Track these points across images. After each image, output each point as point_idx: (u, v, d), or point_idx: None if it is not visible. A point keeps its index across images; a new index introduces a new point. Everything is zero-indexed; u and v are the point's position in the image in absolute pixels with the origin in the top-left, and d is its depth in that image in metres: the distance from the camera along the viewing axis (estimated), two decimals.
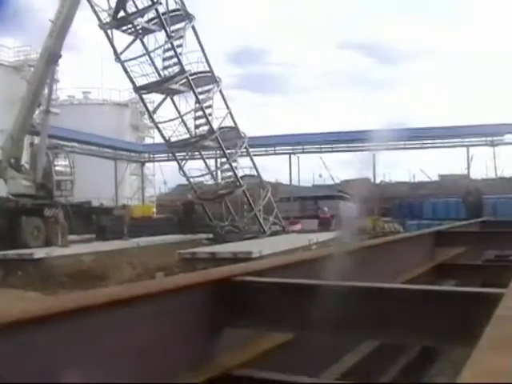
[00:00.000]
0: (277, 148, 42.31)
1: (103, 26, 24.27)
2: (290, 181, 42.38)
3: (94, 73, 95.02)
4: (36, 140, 25.36)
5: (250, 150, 29.37)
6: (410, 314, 1.86)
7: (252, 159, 29.20)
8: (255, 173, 29.14)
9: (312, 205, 41.84)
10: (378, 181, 42.75)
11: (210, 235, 26.55)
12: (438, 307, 1.83)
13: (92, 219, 25.90)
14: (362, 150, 41.28)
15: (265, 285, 2.00)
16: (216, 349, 1.96)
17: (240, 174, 27.87)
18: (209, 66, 26.61)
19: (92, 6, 23.82)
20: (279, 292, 1.97)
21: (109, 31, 24.49)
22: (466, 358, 0.93)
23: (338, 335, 2.07)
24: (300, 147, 41.78)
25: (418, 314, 1.85)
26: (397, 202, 34.67)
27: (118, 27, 24.61)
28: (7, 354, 1.26)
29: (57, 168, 24.45)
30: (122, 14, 24.15)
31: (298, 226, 32.56)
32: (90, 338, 1.49)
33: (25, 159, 24.60)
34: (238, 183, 27.01)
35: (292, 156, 42.04)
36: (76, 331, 1.45)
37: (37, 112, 24.85)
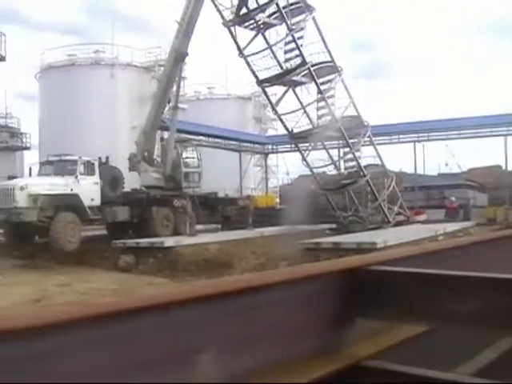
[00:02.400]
0: (401, 136, 41.24)
1: (226, 24, 24.88)
2: (415, 169, 41.22)
3: (218, 68, 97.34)
4: (166, 135, 26.40)
5: (374, 138, 28.91)
6: None
7: (375, 148, 28.72)
8: (379, 162, 28.65)
9: (438, 194, 40.54)
10: (510, 168, 40.58)
11: (333, 225, 26.44)
12: None
13: (218, 209, 26.61)
14: (491, 136, 39.56)
15: (398, 274, 1.95)
16: (347, 339, 1.95)
17: (363, 163, 27.52)
18: (330, 56, 26.46)
19: (216, 6, 24.53)
20: (413, 282, 1.91)
21: (232, 28, 25.05)
22: None
23: (475, 330, 1.99)
24: (425, 135, 40.44)
25: None
26: None
27: (240, 24, 25.15)
28: (146, 334, 1.32)
29: (185, 160, 25.36)
30: (243, 10, 24.60)
31: (423, 216, 31.68)
32: (222, 322, 1.54)
33: (156, 153, 25.72)
34: (361, 173, 26.69)
35: (416, 144, 40.84)
36: (210, 315, 1.50)
37: (166, 108, 25.84)
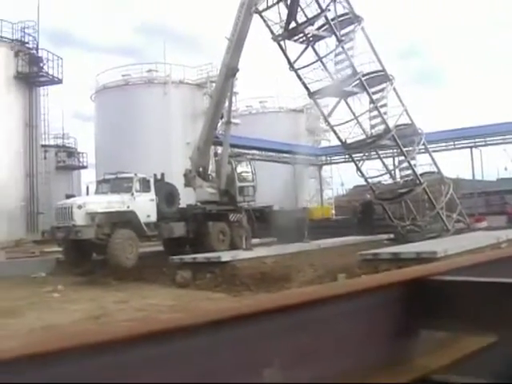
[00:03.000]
0: (456, 142, 40.44)
1: (276, 38, 24.91)
2: (473, 175, 40.31)
3: (270, 82, 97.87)
4: (220, 150, 26.57)
5: (429, 145, 28.45)
6: None
7: (431, 155, 28.24)
8: (435, 169, 28.17)
9: (498, 200, 39.58)
10: None
11: (391, 235, 26.08)
12: None
13: (273, 223, 26.56)
14: None
15: (462, 284, 1.90)
16: (413, 351, 1.91)
17: (419, 171, 27.11)
18: (381, 65, 26.23)
19: (264, 21, 24.63)
20: (478, 292, 1.86)
21: (281, 42, 25.10)
22: None
23: None
24: (482, 140, 39.54)
25: None
26: None
27: (289, 38, 25.07)
28: (209, 349, 1.32)
29: (239, 175, 25.45)
30: (292, 24, 24.61)
31: (483, 223, 30.93)
32: (285, 336, 1.53)
33: (210, 168, 25.92)
34: (417, 181, 26.28)
35: (474, 149, 39.94)
36: (273, 329, 1.49)
37: (219, 123, 26.05)
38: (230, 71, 23.94)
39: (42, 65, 34.50)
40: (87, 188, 24.03)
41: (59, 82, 35.82)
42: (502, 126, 37.96)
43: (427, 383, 1.81)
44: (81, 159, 47.17)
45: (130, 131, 35.74)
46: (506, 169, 45.73)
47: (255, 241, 24.16)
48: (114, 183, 21.71)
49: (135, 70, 39.55)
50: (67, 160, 45.38)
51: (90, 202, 20.74)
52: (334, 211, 42.57)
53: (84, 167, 47.15)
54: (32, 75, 33.99)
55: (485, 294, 1.86)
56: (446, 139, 39.48)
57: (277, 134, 41.26)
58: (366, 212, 28.75)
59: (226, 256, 18.56)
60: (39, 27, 34.65)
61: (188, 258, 19.11)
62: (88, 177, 45.65)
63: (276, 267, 17.36)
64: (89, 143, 46.45)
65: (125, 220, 20.54)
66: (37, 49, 34.58)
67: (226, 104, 25.33)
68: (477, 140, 39.43)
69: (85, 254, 20.68)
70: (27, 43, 34.36)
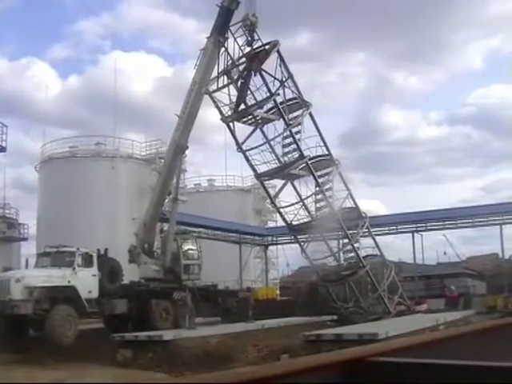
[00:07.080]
0: (399, 226, 41.42)
1: (225, 120, 25.25)
2: (414, 259, 41.08)
3: (218, 162, 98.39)
4: (166, 226, 26.41)
5: (372, 229, 29.07)
6: None
7: (374, 239, 28.85)
8: (378, 252, 28.70)
9: (438, 283, 40.41)
10: (506, 256, 40.55)
11: (335, 317, 26.17)
12: None
13: (218, 302, 26.32)
14: (487, 225, 39.80)
15: (401, 365, 1.97)
16: None
17: (362, 254, 27.57)
18: (327, 149, 26.97)
19: (214, 102, 25.01)
20: (417, 373, 1.93)
21: (230, 123, 25.47)
22: None
23: None
24: (423, 225, 40.65)
25: None
26: None
27: (238, 119, 25.49)
28: None
29: (185, 253, 25.25)
30: (242, 106, 25.08)
31: (424, 306, 31.55)
32: None
33: (156, 245, 25.68)
34: (360, 264, 26.68)
35: (415, 234, 40.94)
36: None
37: (166, 200, 26.01)
38: (178, 148, 24.20)
39: None
40: (27, 261, 23.35)
41: (3, 150, 34.59)
42: (442, 213, 39.24)
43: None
44: (22, 231, 45.76)
45: (75, 204, 35.07)
46: (445, 253, 46.96)
47: (199, 320, 23.81)
48: (55, 257, 21.14)
49: (83, 143, 39.21)
50: (7, 231, 43.89)
51: (29, 275, 20.07)
52: (278, 292, 42.39)
53: (25, 239, 45.66)
54: None
55: (423, 375, 1.94)
56: (388, 223, 40.37)
57: (224, 212, 41.33)
58: (310, 293, 28.85)
59: (168, 335, 18.22)
60: None
61: (129, 335, 18.66)
62: (29, 249, 44.28)
63: (220, 347, 17.09)
64: (31, 214, 45.09)
65: (65, 295, 19.91)
66: None
67: (174, 181, 25.44)
68: (418, 225, 40.44)
69: (21, 331, 19.80)
70: None
